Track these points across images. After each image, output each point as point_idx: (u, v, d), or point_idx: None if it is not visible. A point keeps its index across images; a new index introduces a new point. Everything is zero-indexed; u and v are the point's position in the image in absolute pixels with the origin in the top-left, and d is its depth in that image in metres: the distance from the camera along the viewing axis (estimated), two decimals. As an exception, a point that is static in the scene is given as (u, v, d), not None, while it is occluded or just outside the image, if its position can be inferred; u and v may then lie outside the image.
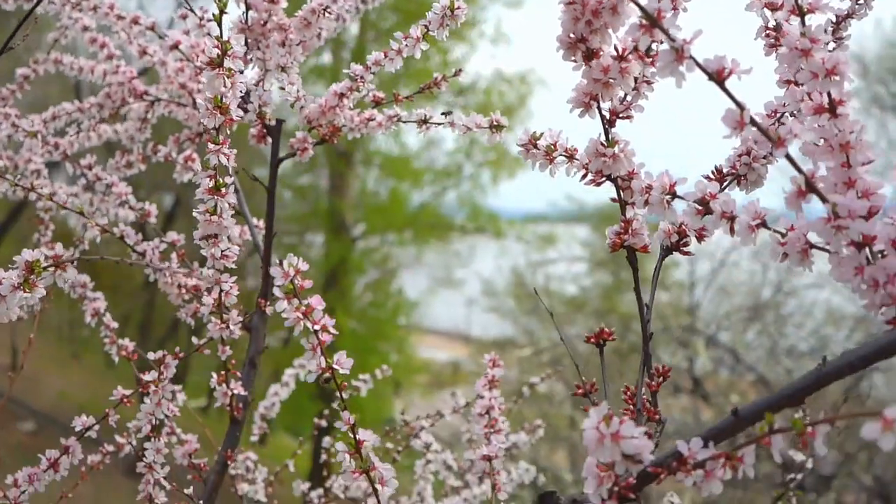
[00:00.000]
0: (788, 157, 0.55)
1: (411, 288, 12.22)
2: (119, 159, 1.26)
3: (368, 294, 12.06)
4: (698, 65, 0.54)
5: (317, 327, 0.67)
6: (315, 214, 11.69)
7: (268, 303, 1.01)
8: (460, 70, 1.07)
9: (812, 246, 0.58)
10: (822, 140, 0.60)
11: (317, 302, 0.67)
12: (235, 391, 1.02)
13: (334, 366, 0.68)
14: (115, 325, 1.15)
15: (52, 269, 0.71)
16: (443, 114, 0.99)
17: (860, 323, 6.54)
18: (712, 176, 0.73)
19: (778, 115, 0.73)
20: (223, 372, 1.01)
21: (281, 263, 0.65)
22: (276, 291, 0.65)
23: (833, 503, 5.15)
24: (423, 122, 1.00)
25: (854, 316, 6.65)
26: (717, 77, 0.54)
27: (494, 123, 0.90)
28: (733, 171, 0.73)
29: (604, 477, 0.56)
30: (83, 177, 1.25)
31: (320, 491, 1.38)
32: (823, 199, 0.54)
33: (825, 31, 0.78)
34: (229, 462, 1.04)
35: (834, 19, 0.78)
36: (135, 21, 1.15)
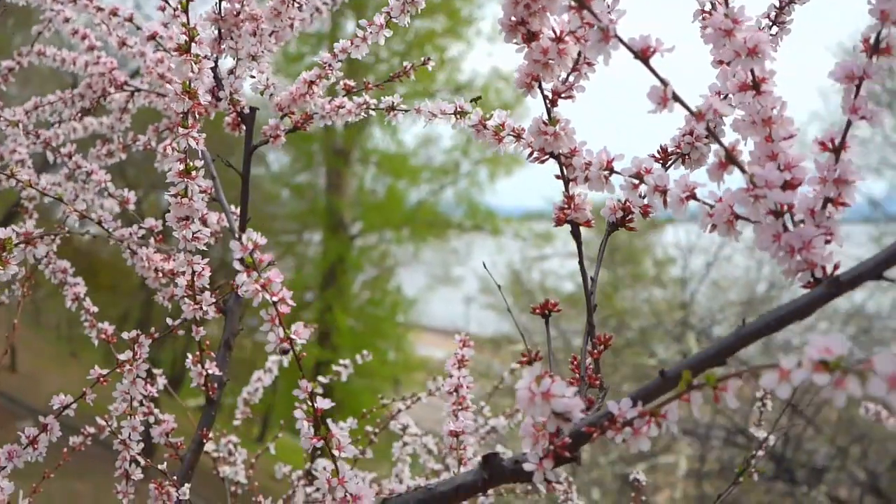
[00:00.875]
0: (708, 129, 0.58)
1: (409, 285, 12.26)
2: (99, 148, 1.30)
3: (366, 292, 12.10)
4: (624, 44, 0.57)
5: (275, 299, 0.70)
6: (313, 213, 11.73)
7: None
8: (429, 59, 1.11)
9: (738, 217, 0.61)
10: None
11: (275, 275, 0.70)
12: (210, 371, 1.05)
13: (292, 336, 0.71)
14: (94, 308, 1.17)
15: (23, 245, 0.74)
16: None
17: (851, 318, 6.58)
18: (657, 155, 0.77)
19: (721, 96, 0.77)
20: (198, 353, 1.04)
21: (240, 239, 0.68)
22: (236, 265, 0.69)
23: (824, 496, 5.18)
24: (391, 108, 1.03)
25: (846, 311, 6.70)
26: (642, 55, 0.57)
27: (458, 110, 0.93)
28: (678, 149, 0.77)
29: (538, 436, 0.59)
30: (65, 166, 1.29)
31: (300, 473, 1.41)
32: (743, 170, 0.58)
33: (768, 15, 0.82)
34: (205, 440, 1.07)
35: (778, 4, 0.82)
36: (113, 13, 1.19)
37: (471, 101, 0.91)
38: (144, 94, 1.30)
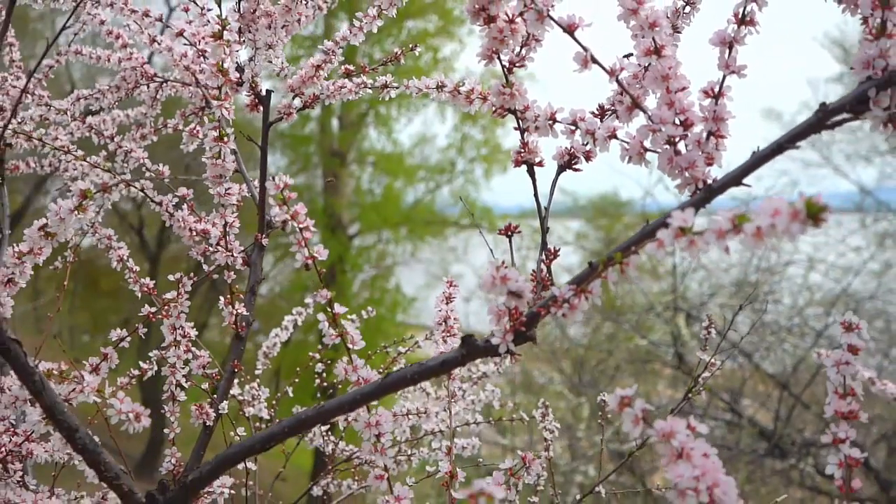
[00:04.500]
0: (618, 82, 0.78)
1: (408, 284, 12.44)
2: (135, 132, 1.50)
3: (366, 291, 12.28)
4: (554, 21, 0.77)
5: (302, 226, 0.90)
6: (311, 214, 11.82)
7: (264, 236, 1.24)
8: (416, 45, 1.31)
9: (646, 149, 0.82)
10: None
11: (301, 208, 0.90)
12: (239, 311, 1.25)
13: (315, 254, 0.91)
14: (136, 268, 1.38)
15: (100, 193, 0.95)
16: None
17: (839, 298, 6.81)
18: (596, 111, 0.97)
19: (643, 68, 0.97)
20: (229, 295, 1.24)
21: (273, 178, 0.89)
22: (271, 199, 0.89)
23: (811, 468, 5.38)
24: (385, 86, 1.24)
25: (835, 294, 6.95)
26: (569, 29, 0.77)
27: (439, 84, 1.13)
28: (612, 107, 0.97)
29: (501, 314, 0.79)
30: (105, 149, 1.49)
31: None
32: (644, 112, 0.78)
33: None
34: (236, 370, 1.27)
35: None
36: (145, 14, 1.39)
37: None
38: (171, 85, 1.51)
